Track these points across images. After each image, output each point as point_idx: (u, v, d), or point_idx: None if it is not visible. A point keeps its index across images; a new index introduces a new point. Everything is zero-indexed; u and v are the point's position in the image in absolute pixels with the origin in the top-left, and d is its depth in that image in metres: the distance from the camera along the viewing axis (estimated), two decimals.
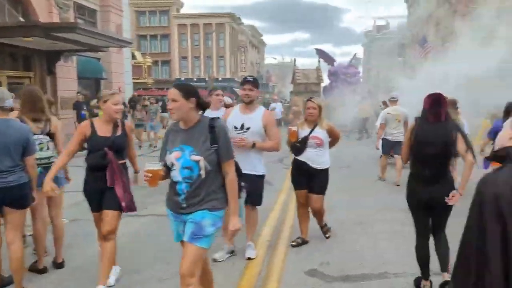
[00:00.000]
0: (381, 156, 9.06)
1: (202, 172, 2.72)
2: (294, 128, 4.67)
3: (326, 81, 26.61)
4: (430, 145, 3.47)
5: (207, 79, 39.63)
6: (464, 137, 3.53)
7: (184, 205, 2.77)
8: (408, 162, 3.79)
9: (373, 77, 52.97)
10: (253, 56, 62.57)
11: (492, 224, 1.58)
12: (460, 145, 3.47)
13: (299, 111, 15.34)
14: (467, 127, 7.29)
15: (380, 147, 8.85)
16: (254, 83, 4.27)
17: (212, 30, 49.52)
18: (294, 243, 4.85)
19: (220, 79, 49.36)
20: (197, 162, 2.71)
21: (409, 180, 3.74)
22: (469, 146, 3.50)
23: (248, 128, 4.23)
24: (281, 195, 7.25)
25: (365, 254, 4.63)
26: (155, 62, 48.48)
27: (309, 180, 4.67)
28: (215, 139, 2.75)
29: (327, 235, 5.11)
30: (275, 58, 64.70)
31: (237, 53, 55.04)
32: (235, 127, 4.24)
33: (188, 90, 2.77)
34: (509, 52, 19.93)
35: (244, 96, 4.32)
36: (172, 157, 2.78)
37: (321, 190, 4.75)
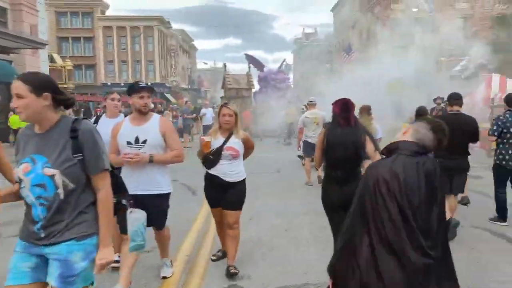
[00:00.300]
0: (302, 159, 9.26)
1: (60, 191, 2.10)
2: (207, 138, 4.07)
3: (257, 87, 26.74)
4: (342, 148, 3.70)
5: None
6: (372, 139, 3.82)
7: (42, 235, 2.12)
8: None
9: (303, 82, 54.35)
10: (184, 60, 61.56)
11: (372, 204, 1.88)
12: (369, 147, 3.75)
13: None
14: (380, 132, 7.47)
15: (301, 149, 9.25)
16: (150, 89, 3.70)
17: (139, 33, 47.87)
18: (214, 257, 4.53)
19: (149, 83, 47.80)
20: (52, 177, 2.08)
21: (323, 182, 3.95)
22: (377, 148, 3.74)
23: (144, 141, 3.59)
24: (205, 205, 6.87)
25: (290, 263, 4.44)
26: (78, 66, 45.80)
27: (223, 195, 4.05)
28: (79, 146, 2.12)
29: (231, 271, 4.07)
30: (206, 63, 64.10)
31: (167, 58, 53.77)
32: (129, 142, 3.58)
33: (39, 82, 2.10)
34: (424, 58, 21.31)
35: (142, 106, 3.61)
36: (19, 170, 2.14)
37: (237, 205, 4.10)
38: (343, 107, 3.79)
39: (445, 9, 31.91)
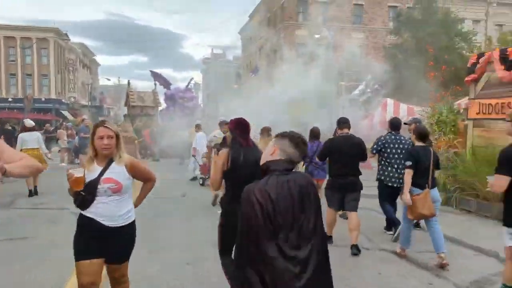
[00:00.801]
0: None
1: None
2: (77, 173, 2.98)
3: (164, 105, 25.79)
4: (245, 167, 3.59)
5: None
6: None
7: None
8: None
9: (211, 102, 54.14)
10: (84, 76, 57.72)
11: (252, 226, 1.97)
12: None
13: (131, 137, 14.21)
14: None
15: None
16: None
17: (30, 45, 43.72)
18: None
19: (43, 99, 43.78)
20: None
21: (228, 204, 3.70)
22: None
23: None
24: None
25: None
26: None
27: (104, 246, 3.02)
28: None
29: None
30: (109, 79, 60.74)
31: (65, 72, 49.86)
32: None
33: None
34: (326, 81, 22.32)
35: None
36: None
37: (124, 257, 3.18)
38: (243, 127, 3.77)
39: (343, 38, 34.28)
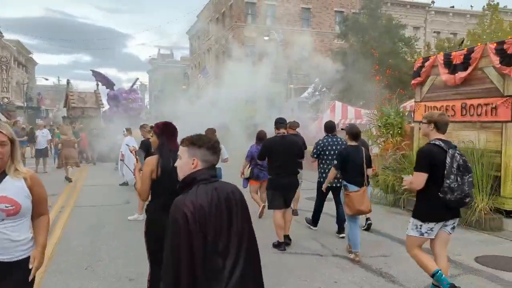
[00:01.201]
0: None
1: None
2: None
3: (107, 106, 24.59)
4: (176, 173, 3.37)
5: None
6: None
7: None
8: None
9: (158, 103, 52.81)
10: (20, 75, 54.08)
11: (185, 240, 1.93)
12: None
13: (70, 140, 13.26)
14: (225, 152, 7.76)
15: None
16: None
17: None
18: None
19: None
20: None
21: (152, 210, 3.44)
22: None
23: None
24: None
25: None
26: None
27: None
28: None
29: None
30: (47, 79, 57.14)
31: None
32: None
33: None
34: (275, 83, 22.32)
35: None
36: None
37: None
38: (171, 131, 3.60)
39: (291, 40, 34.62)
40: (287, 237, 5.89)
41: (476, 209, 6.88)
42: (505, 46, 6.93)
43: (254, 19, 35.05)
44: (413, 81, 9.18)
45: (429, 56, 8.95)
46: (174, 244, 1.97)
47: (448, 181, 3.62)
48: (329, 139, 6.59)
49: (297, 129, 12.10)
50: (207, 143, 2.20)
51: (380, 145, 10.39)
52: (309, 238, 6.44)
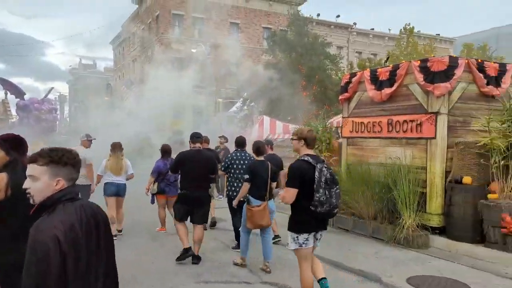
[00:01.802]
0: None
1: None
2: None
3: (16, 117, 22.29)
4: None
5: None
6: None
7: None
8: None
9: (78, 115, 49.61)
10: None
11: (56, 264, 1.77)
12: None
13: None
14: (130, 167, 7.48)
15: None
16: None
17: None
18: None
19: None
20: None
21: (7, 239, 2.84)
22: None
23: None
24: None
25: None
26: None
27: None
28: None
29: None
30: None
31: None
32: None
33: None
34: (203, 97, 21.78)
35: None
36: None
37: None
38: (21, 144, 3.16)
39: (219, 54, 34.41)
40: (196, 257, 5.83)
41: (404, 226, 6.81)
42: (428, 64, 7.04)
43: (181, 31, 34.32)
44: (340, 97, 9.13)
45: (356, 72, 8.97)
46: (40, 271, 1.77)
47: (317, 195, 3.81)
48: (238, 154, 6.66)
49: (226, 144, 11.74)
50: (72, 159, 2.00)
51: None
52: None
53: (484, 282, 5.19)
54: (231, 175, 6.56)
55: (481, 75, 7.11)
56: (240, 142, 6.80)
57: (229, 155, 6.89)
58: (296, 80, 18.98)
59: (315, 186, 3.81)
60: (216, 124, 22.06)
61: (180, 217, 5.80)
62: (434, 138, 6.96)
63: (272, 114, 18.17)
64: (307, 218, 3.93)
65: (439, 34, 43.95)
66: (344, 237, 7.56)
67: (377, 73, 8.10)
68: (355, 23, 41.27)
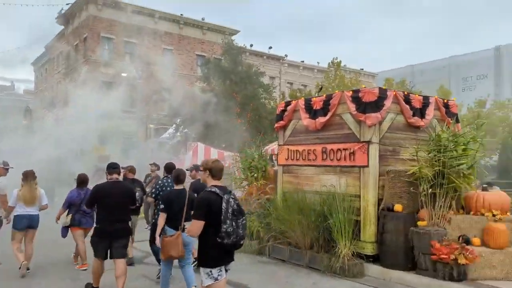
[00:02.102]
0: None
1: None
2: None
3: None
4: None
5: None
6: None
7: None
8: None
9: None
10: None
11: None
12: None
13: None
14: (45, 197, 6.97)
15: None
16: None
17: None
18: None
19: None
20: None
21: None
22: None
23: None
24: None
25: None
26: None
27: None
28: None
29: None
30: None
31: None
32: None
33: None
34: (133, 123, 20.95)
35: None
36: None
37: None
38: None
39: (151, 80, 33.67)
40: None
41: (340, 255, 6.78)
42: (360, 95, 7.26)
43: (111, 54, 33.15)
44: (276, 125, 9.12)
45: (291, 101, 9.05)
46: None
47: (225, 226, 3.78)
48: (169, 180, 6.55)
49: (157, 171, 11.19)
50: None
51: (244, 189, 10.01)
52: None
53: None
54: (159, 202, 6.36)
55: (407, 106, 7.47)
56: (170, 168, 6.67)
57: (159, 182, 6.71)
58: (231, 107, 18.94)
59: (222, 217, 3.78)
60: (146, 151, 21.23)
61: (97, 255, 5.51)
62: (367, 166, 7.11)
63: (207, 141, 17.85)
64: (217, 250, 3.89)
65: (362, 69, 46.91)
66: (281, 268, 7.36)
67: (312, 102, 8.21)
68: (286, 55, 42.79)
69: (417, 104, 7.63)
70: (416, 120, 7.53)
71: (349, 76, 31.95)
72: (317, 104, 8.05)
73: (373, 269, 6.84)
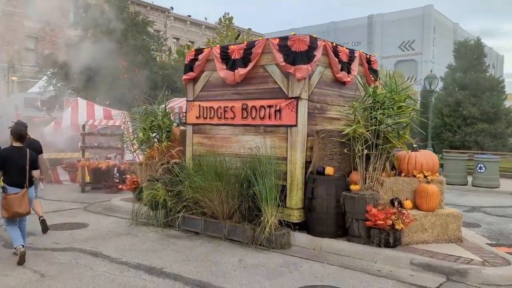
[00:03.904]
0: None
1: None
2: None
3: None
4: None
5: None
6: None
7: None
8: None
9: None
10: None
11: None
12: None
13: None
14: None
15: None
16: None
17: None
18: None
19: None
20: None
21: None
22: None
23: None
24: None
25: None
26: None
27: None
28: None
29: None
30: None
31: None
32: None
33: None
34: None
35: None
36: None
37: None
38: None
39: (13, 22, 28.30)
40: None
41: (265, 225, 5.99)
42: (289, 43, 6.34)
43: None
44: (184, 76, 7.78)
45: (203, 48, 7.73)
46: None
47: None
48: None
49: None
50: None
51: (144, 152, 8.55)
52: None
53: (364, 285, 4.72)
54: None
55: (336, 59, 6.81)
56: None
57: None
58: (115, 60, 16.57)
59: None
60: (9, 107, 17.82)
61: None
62: (295, 125, 6.33)
63: (87, 96, 15.45)
64: None
65: (250, 29, 46.30)
66: (196, 243, 6.30)
67: (229, 51, 7.05)
68: (172, 8, 39.86)
69: (344, 58, 7.02)
70: (343, 75, 6.94)
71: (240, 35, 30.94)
72: (236, 52, 6.92)
73: (301, 238, 6.23)
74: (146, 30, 19.23)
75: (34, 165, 5.50)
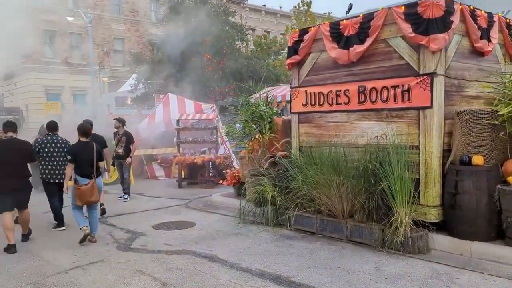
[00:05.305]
0: None
1: None
2: None
3: None
4: None
5: None
6: None
7: None
8: None
9: None
10: None
11: None
12: None
13: None
14: None
15: None
16: None
17: None
18: None
19: None
20: None
21: None
22: None
23: None
24: None
25: None
26: None
27: None
28: None
29: None
30: None
31: None
32: None
33: None
34: (85, 76, 18.00)
35: None
36: None
37: None
38: None
39: (102, 26, 29.83)
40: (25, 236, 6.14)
41: (399, 226, 5.09)
42: (419, 9, 5.32)
43: None
44: (288, 61, 7.07)
45: (308, 28, 6.94)
46: None
47: None
48: (48, 137, 6.82)
49: (125, 127, 9.04)
50: None
51: (247, 145, 8.02)
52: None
53: None
54: (42, 159, 6.69)
55: (475, 25, 5.64)
56: (52, 126, 6.92)
57: (38, 139, 7.07)
58: (200, 53, 16.44)
59: None
60: (103, 106, 18.58)
61: (6, 209, 5.73)
62: (430, 107, 5.30)
63: (175, 92, 15.49)
64: None
65: (330, 13, 44.52)
66: (316, 245, 5.57)
67: (341, 27, 6.19)
68: None
69: (484, 23, 5.81)
70: (483, 44, 5.75)
71: (320, 21, 29.70)
72: (350, 28, 6.04)
73: (442, 241, 5.23)
74: (228, 21, 18.90)
75: (100, 157, 6.13)
